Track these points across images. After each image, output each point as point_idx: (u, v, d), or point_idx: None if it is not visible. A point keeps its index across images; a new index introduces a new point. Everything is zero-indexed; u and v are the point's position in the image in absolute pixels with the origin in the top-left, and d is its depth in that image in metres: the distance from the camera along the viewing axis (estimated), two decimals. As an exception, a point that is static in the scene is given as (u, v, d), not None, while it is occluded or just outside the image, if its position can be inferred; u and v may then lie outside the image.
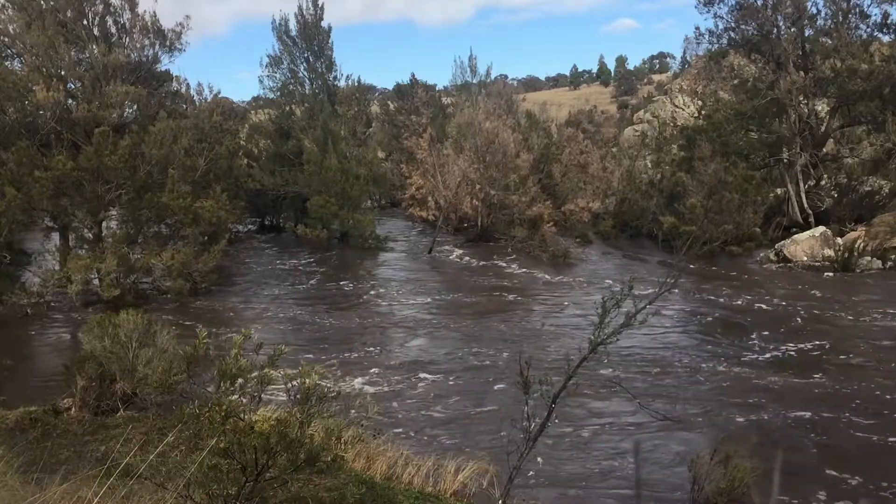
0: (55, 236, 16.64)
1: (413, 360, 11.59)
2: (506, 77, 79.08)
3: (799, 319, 13.61)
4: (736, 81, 24.51)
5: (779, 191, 23.33)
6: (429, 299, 16.13)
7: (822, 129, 23.21)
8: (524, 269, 19.19)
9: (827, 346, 11.86)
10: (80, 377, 8.34)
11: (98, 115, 16.13)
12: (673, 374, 10.68)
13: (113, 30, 17.87)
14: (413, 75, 38.72)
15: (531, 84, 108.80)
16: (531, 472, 7.32)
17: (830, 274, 17.69)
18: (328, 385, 8.29)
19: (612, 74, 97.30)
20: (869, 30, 22.29)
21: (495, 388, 10.20)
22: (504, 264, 20.09)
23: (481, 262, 20.50)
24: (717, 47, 24.65)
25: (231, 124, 23.93)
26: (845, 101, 21.93)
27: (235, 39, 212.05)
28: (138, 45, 18.14)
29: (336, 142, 23.22)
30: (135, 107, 17.85)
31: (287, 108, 26.45)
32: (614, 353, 11.38)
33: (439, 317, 14.58)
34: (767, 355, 11.43)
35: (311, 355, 11.52)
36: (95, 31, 17.49)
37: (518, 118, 29.33)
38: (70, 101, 16.63)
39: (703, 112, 28.36)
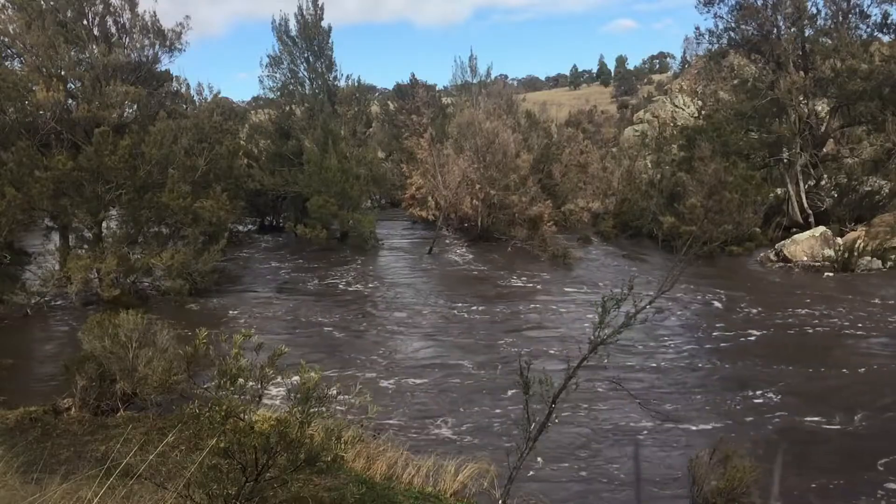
0: (55, 236, 16.63)
1: (412, 361, 11.59)
2: (506, 77, 79.20)
3: (798, 319, 13.60)
4: (736, 81, 24.49)
5: (779, 191, 23.32)
6: (428, 300, 16.11)
7: (822, 129, 23.20)
8: (524, 270, 19.15)
9: (826, 345, 11.86)
10: (80, 377, 8.34)
11: (98, 115, 16.11)
12: (672, 374, 10.68)
13: (113, 30, 17.84)
14: (413, 75, 38.80)
15: (531, 84, 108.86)
16: (531, 472, 7.32)
17: (830, 274, 17.69)
18: (328, 383, 8.25)
19: (612, 74, 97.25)
20: (869, 30, 22.29)
21: (495, 388, 10.19)
22: (504, 264, 20.06)
23: (481, 262, 20.49)
24: (717, 47, 24.63)
25: (231, 124, 23.88)
26: (845, 101, 21.91)
27: (234, 40, 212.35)
28: (138, 45, 18.11)
29: (336, 142, 23.22)
30: (135, 107, 17.82)
31: (287, 108, 26.44)
32: (612, 352, 11.46)
33: (438, 317, 14.57)
34: (765, 355, 11.42)
35: (310, 355, 11.50)
36: (95, 31, 17.46)
37: (518, 118, 29.32)
38: (70, 101, 16.60)
39: (703, 112, 28.33)
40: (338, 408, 8.74)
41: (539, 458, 7.53)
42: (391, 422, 8.87)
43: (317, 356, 11.48)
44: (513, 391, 9.53)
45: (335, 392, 5.33)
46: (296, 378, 4.69)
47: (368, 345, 12.64)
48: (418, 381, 10.53)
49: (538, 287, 17.06)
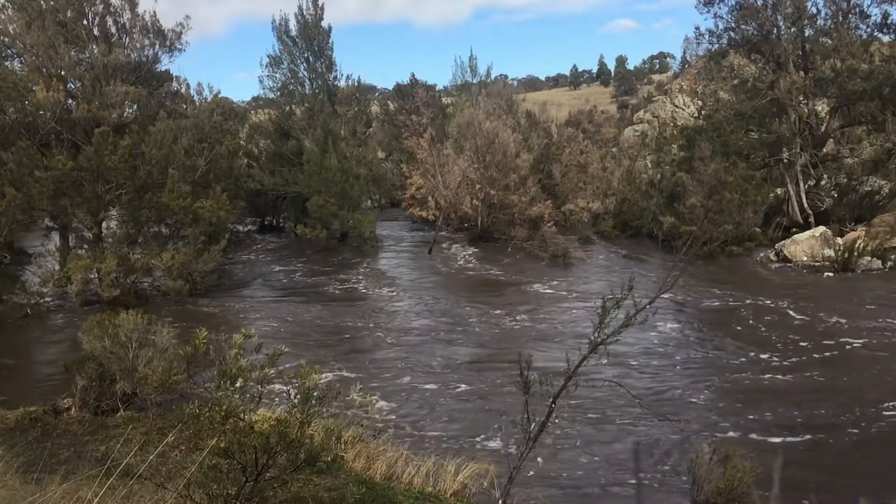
0: (55, 236, 16.63)
1: (411, 361, 11.58)
2: (506, 77, 79.19)
3: (798, 319, 13.59)
4: (736, 81, 24.48)
5: (779, 191, 23.31)
6: (427, 300, 16.09)
7: (822, 129, 23.19)
8: (524, 269, 19.13)
9: (825, 345, 11.84)
10: (80, 377, 8.34)
11: (98, 115, 16.12)
12: (672, 374, 10.68)
13: (113, 30, 17.86)
14: (413, 75, 38.78)
15: (531, 84, 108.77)
16: (531, 472, 7.31)
17: (830, 274, 17.68)
18: (328, 383, 8.22)
19: (612, 74, 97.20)
20: (869, 30, 22.28)
21: (493, 388, 10.17)
22: (504, 264, 20.04)
23: (481, 262, 20.48)
24: (717, 47, 24.63)
25: (231, 124, 23.91)
26: (845, 101, 21.90)
27: (234, 40, 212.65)
28: (138, 45, 18.13)
29: (336, 142, 23.22)
30: (135, 107, 17.84)
31: (287, 108, 26.44)
32: (612, 352, 11.29)
33: (438, 317, 14.56)
34: (765, 354, 11.41)
35: (310, 356, 11.50)
36: (95, 31, 17.47)
37: (518, 118, 29.30)
38: (70, 101, 16.61)
39: (703, 112, 28.33)
40: (376, 417, 8.72)
41: (539, 459, 7.53)
42: (434, 433, 8.57)
43: (316, 357, 11.46)
44: (575, 400, 9.00)
45: (336, 394, 5.33)
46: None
47: (367, 346, 12.61)
48: (463, 388, 10.38)
49: (572, 294, 16.31)
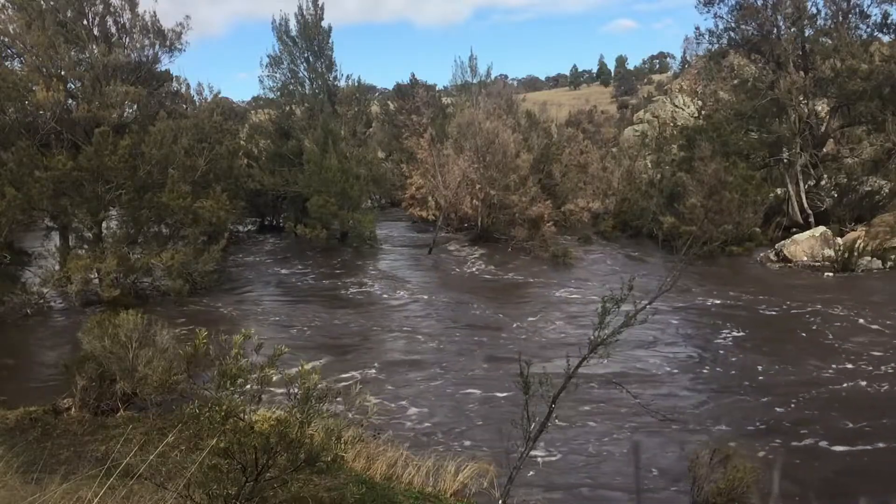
0: (55, 236, 16.63)
1: (410, 361, 11.58)
2: (506, 77, 79.16)
3: (797, 319, 13.58)
4: (736, 81, 24.49)
5: (779, 191, 23.31)
6: (427, 300, 16.09)
7: (822, 129, 23.20)
8: (535, 273, 19.00)
9: (825, 345, 11.84)
10: (80, 377, 8.35)
11: (98, 115, 16.12)
12: (672, 374, 10.68)
13: (113, 30, 17.86)
14: (413, 75, 38.80)
15: (531, 84, 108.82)
16: (531, 473, 7.31)
17: (830, 274, 17.67)
18: (328, 384, 8.17)
19: (612, 74, 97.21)
20: (869, 30, 22.29)
21: (493, 389, 10.17)
22: (512, 266, 19.96)
23: (481, 262, 20.48)
24: (717, 47, 24.64)
25: (231, 124, 23.90)
26: (845, 101, 21.89)
27: (234, 40, 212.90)
28: (138, 45, 18.12)
29: (336, 142, 23.21)
30: (135, 107, 17.83)
31: (287, 108, 26.44)
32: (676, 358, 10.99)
33: (438, 318, 14.56)
34: (764, 354, 11.42)
35: (309, 356, 11.49)
36: (95, 31, 17.47)
37: (518, 118, 29.30)
38: (70, 101, 16.61)
39: (703, 112, 28.35)
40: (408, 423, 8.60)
41: (539, 459, 7.53)
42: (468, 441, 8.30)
43: (316, 357, 11.44)
44: (622, 407, 8.90)
45: (336, 394, 5.33)
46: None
47: (367, 346, 12.60)
48: (416, 383, 10.46)
49: (538, 287, 16.40)
